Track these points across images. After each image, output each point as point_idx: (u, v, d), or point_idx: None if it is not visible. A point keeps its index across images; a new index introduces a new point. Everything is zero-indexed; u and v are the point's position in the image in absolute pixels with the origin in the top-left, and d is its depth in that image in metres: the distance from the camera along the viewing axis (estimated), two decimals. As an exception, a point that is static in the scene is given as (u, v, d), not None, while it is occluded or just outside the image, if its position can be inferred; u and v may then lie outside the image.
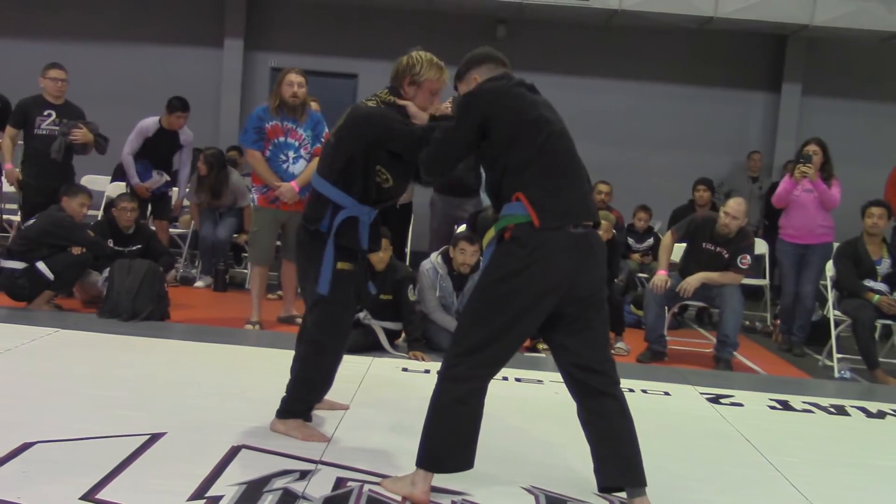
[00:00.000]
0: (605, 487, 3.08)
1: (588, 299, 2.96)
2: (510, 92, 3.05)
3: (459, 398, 2.94)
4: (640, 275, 8.34)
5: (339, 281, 3.48)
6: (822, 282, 7.28)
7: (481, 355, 2.94)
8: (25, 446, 3.25)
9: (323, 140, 6.18)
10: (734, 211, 6.36)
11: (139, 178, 7.74)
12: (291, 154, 6.11)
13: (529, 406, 4.60)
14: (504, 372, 5.22)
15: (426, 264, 6.02)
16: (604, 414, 2.99)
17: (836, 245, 7.01)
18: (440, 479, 3.10)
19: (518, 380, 5.17)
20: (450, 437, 2.97)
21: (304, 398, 3.70)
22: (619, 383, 3.04)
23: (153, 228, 7.58)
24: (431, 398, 3.00)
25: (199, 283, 8.13)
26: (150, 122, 7.82)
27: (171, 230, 8.38)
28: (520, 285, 2.87)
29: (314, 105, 6.62)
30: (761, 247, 7.73)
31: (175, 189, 8.13)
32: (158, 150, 7.84)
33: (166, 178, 7.90)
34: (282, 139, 6.08)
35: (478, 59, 3.24)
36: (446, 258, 5.98)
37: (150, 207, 7.97)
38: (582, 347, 2.99)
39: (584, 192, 3.04)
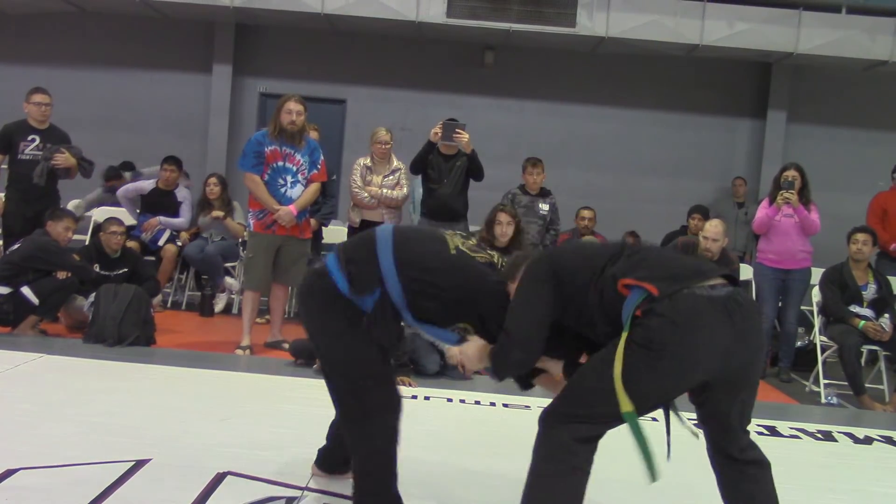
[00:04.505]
0: None
1: (738, 373, 2.61)
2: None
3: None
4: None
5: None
6: (807, 307, 7.32)
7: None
8: (8, 473, 3.22)
9: (319, 168, 6.27)
10: (712, 234, 6.41)
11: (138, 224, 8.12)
12: (289, 178, 6.14)
13: (516, 433, 4.57)
14: (492, 398, 5.28)
15: None
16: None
17: (814, 270, 7.06)
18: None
19: (506, 405, 5.16)
20: None
21: None
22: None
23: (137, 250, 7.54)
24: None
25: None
26: (146, 182, 8.36)
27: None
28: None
29: (314, 134, 6.67)
30: (747, 272, 7.75)
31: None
32: (155, 208, 8.21)
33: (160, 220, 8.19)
34: (280, 164, 6.11)
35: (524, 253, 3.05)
36: None
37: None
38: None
39: (689, 260, 2.78)
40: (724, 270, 2.66)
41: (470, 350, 2.92)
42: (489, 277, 2.95)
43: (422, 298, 2.89)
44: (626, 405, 2.45)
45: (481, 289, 2.90)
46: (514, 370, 2.85)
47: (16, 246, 6.38)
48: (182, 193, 8.34)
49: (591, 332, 2.68)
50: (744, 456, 2.69)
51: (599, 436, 2.57)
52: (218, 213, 8.01)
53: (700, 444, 2.77)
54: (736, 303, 2.50)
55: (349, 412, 3.00)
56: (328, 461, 3.49)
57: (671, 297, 2.46)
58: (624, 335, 2.48)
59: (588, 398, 2.55)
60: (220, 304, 8.09)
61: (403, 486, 3.01)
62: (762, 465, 2.71)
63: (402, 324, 5.23)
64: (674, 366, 2.46)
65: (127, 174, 8.93)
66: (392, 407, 2.97)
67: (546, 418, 2.60)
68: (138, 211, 8.20)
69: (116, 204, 8.32)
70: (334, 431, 3.45)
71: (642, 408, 2.48)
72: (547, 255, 2.88)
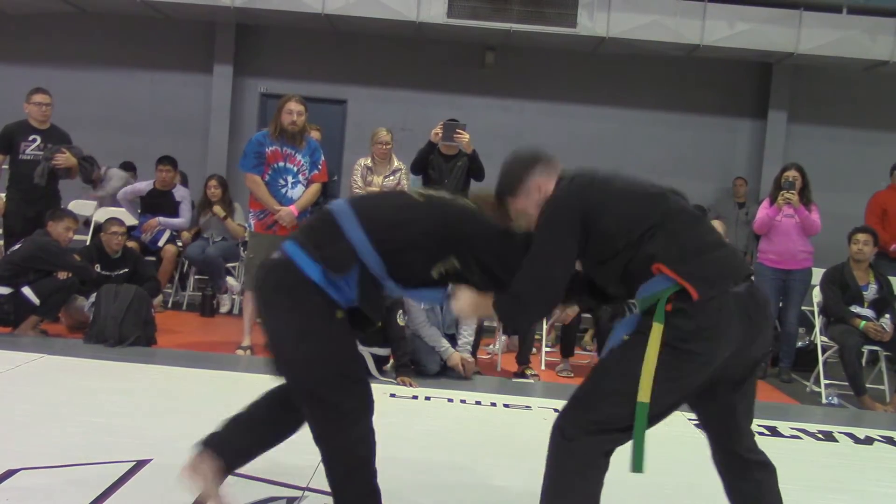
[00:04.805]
0: None
1: (745, 369, 2.63)
2: (598, 179, 2.76)
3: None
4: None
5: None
6: (808, 307, 7.32)
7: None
8: (9, 473, 3.22)
9: (320, 168, 6.26)
10: None
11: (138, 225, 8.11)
12: (290, 179, 6.14)
13: (516, 433, 4.58)
14: (492, 398, 5.28)
15: None
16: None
17: (815, 270, 7.06)
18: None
19: (506, 405, 5.16)
20: None
21: None
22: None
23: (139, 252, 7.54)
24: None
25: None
26: (143, 184, 8.34)
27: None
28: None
29: (316, 134, 6.67)
30: (748, 272, 7.76)
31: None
32: (154, 209, 8.19)
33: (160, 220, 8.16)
34: (281, 164, 6.10)
35: (527, 162, 2.87)
36: None
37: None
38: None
39: (725, 250, 2.67)
40: (749, 270, 2.66)
41: (464, 302, 2.77)
42: (467, 209, 2.83)
43: (402, 256, 2.73)
44: (645, 395, 2.40)
45: (463, 220, 2.78)
46: (532, 322, 2.77)
47: (16, 246, 6.38)
48: (180, 193, 8.32)
49: (602, 284, 2.68)
50: (750, 456, 2.68)
51: (616, 448, 2.51)
52: (218, 211, 8.03)
53: (701, 445, 2.76)
54: (753, 299, 2.51)
55: (323, 413, 2.79)
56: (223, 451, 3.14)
57: (708, 301, 2.43)
58: (658, 328, 2.42)
59: (608, 401, 2.48)
60: (225, 306, 8.11)
61: (404, 487, 3.02)
62: (768, 468, 2.70)
63: (403, 324, 5.13)
64: (698, 367, 2.45)
65: (101, 171, 8.84)
66: (368, 406, 2.83)
67: (566, 428, 2.49)
68: (139, 211, 8.20)
69: (117, 204, 8.32)
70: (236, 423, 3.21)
71: (657, 406, 2.44)
72: (577, 197, 2.67)
